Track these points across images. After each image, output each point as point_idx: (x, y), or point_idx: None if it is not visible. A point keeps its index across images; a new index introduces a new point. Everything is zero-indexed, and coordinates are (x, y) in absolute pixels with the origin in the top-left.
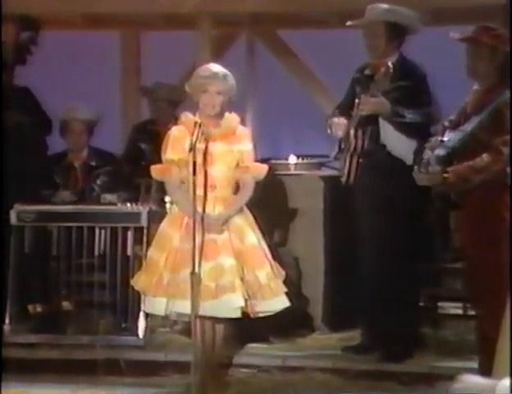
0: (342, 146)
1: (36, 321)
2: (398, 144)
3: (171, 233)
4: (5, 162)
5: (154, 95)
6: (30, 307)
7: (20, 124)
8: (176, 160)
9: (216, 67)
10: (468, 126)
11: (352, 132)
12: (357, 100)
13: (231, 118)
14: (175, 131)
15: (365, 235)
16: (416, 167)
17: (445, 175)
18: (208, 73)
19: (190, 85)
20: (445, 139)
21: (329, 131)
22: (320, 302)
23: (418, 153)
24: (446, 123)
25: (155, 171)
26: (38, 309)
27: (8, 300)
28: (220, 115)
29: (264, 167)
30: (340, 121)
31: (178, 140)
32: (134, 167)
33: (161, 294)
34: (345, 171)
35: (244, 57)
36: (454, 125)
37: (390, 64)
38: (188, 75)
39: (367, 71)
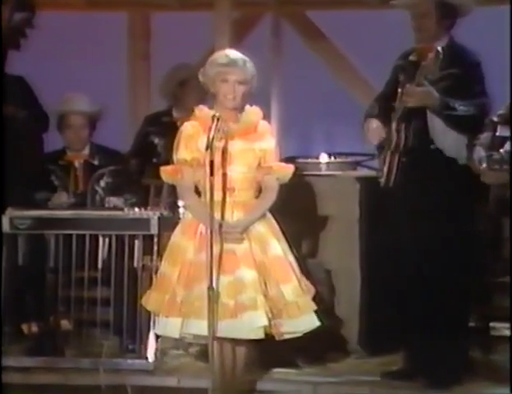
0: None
1: (31, 342)
2: (449, 140)
3: (185, 243)
4: (5, 161)
5: (183, 73)
6: (25, 326)
7: (13, 118)
8: (188, 160)
9: (233, 53)
10: None
11: (394, 126)
12: (400, 90)
13: (252, 112)
14: (187, 127)
15: (407, 244)
16: (486, 164)
17: None
18: (227, 60)
19: (205, 75)
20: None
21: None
22: (356, 322)
23: (470, 150)
24: (495, 118)
25: (165, 173)
26: (34, 328)
27: None
28: (240, 108)
29: (290, 168)
30: (376, 127)
31: (191, 138)
32: (143, 166)
33: (174, 314)
34: (385, 172)
35: (269, 42)
36: (507, 120)
37: (439, 49)
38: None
39: (412, 57)
